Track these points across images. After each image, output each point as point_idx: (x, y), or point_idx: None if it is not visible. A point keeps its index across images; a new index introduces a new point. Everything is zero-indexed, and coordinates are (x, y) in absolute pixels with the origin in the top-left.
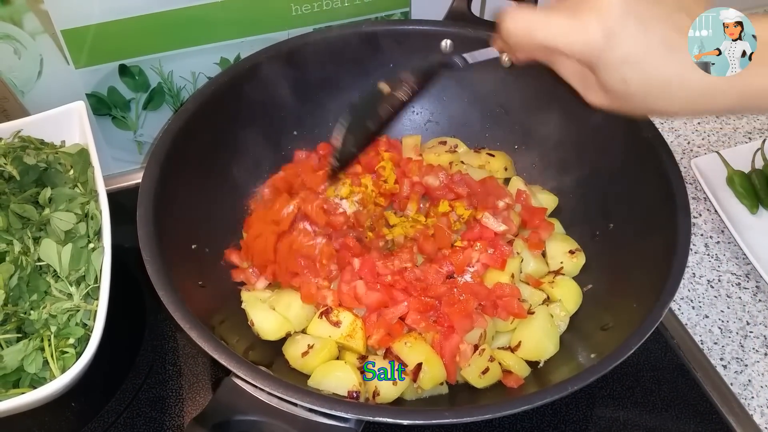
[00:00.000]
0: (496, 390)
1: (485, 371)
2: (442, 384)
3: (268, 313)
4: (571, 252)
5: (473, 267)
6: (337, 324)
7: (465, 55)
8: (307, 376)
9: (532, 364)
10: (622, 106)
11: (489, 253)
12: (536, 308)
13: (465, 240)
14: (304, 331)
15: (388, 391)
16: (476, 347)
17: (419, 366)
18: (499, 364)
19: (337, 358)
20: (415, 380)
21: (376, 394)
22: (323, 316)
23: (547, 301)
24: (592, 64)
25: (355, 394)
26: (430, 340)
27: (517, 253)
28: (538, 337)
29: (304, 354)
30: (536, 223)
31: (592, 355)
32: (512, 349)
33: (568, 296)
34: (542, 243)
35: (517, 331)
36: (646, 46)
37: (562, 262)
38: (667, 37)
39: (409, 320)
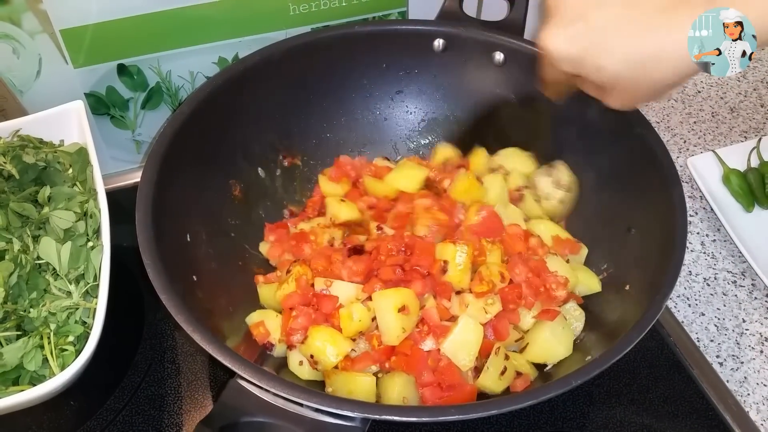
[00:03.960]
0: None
1: (504, 372)
2: None
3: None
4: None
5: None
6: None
7: None
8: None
9: (540, 366)
10: (627, 97)
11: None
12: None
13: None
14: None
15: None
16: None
17: None
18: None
19: None
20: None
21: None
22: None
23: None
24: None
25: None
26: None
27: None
28: (546, 339)
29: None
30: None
31: (588, 358)
32: (520, 351)
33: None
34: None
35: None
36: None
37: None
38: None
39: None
